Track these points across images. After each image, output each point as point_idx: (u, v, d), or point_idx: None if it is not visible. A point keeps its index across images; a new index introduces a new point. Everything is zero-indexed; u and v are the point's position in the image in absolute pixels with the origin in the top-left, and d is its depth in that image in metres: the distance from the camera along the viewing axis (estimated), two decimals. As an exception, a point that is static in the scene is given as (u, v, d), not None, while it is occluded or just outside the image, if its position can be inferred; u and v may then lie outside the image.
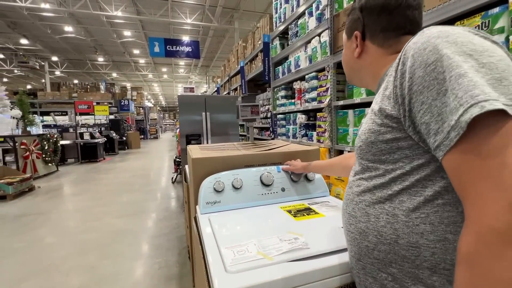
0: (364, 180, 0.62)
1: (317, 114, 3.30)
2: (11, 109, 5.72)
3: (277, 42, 4.66)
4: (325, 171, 1.01)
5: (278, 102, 4.60)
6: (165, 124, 32.19)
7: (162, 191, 4.84)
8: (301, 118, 3.77)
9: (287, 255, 0.68)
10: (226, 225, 0.85)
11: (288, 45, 4.29)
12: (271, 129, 5.18)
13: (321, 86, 3.22)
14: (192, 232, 1.08)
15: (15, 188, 4.52)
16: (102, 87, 16.79)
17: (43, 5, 9.43)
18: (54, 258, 2.46)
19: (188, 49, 11.19)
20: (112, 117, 13.01)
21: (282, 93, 4.46)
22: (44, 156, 6.26)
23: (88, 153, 8.48)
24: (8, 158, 5.66)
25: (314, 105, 3.32)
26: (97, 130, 9.66)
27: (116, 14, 10.09)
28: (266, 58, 5.09)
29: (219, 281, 0.61)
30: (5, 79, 20.07)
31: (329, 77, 3.00)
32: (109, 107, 13.01)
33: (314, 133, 3.43)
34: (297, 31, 3.81)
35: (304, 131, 3.72)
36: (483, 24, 1.35)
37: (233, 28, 11.50)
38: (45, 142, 6.26)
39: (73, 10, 9.66)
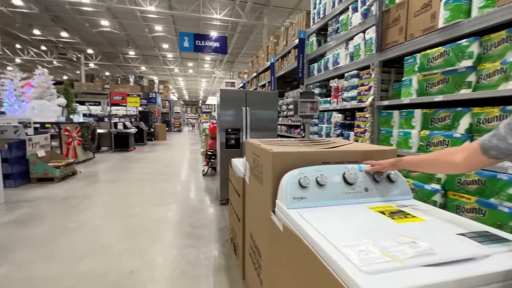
0: None
1: (356, 113, 3.22)
2: (57, 98, 6.13)
3: (313, 38, 4.58)
4: (420, 167, 0.98)
5: (310, 100, 4.53)
6: (187, 118, 32.99)
7: (194, 183, 5.00)
8: (337, 117, 3.70)
9: (417, 259, 0.65)
10: (325, 222, 0.85)
11: (325, 42, 4.21)
12: (302, 127, 5.15)
13: (362, 85, 3.14)
14: (270, 224, 1.10)
15: (62, 171, 4.88)
16: (131, 79, 17.47)
17: (84, 0, 9.96)
18: (105, 240, 2.65)
19: (216, 44, 11.36)
20: (140, 109, 13.54)
21: (317, 91, 4.40)
22: (83, 143, 6.67)
23: (121, 142, 8.92)
24: (53, 143, 6.09)
25: (353, 104, 3.25)
26: (129, 121, 10.11)
27: (149, 9, 10.43)
28: (301, 55, 5.03)
29: (363, 281, 0.58)
30: (44, 70, 21.57)
31: (373, 76, 2.92)
32: (140, 99, 13.54)
33: (352, 133, 3.36)
34: (337, 28, 3.72)
35: (340, 130, 3.65)
36: None
37: (261, 24, 11.47)
38: (85, 130, 6.66)
39: (111, 5, 10.10)
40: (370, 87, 2.94)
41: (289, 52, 5.88)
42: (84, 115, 11.14)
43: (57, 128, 5.92)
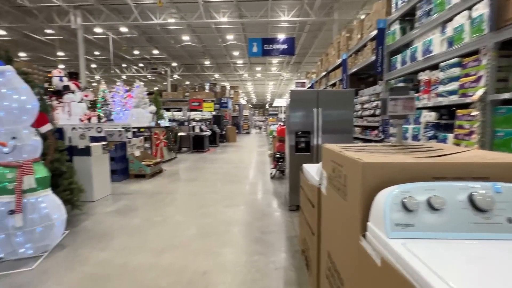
0: None
1: (457, 111, 2.61)
2: (149, 106, 7.19)
3: (396, 27, 3.99)
4: None
5: (393, 97, 3.94)
6: (255, 120, 34.25)
7: (262, 186, 5.03)
8: (429, 116, 3.11)
9: None
10: (451, 264, 0.61)
11: (412, 28, 3.61)
12: (380, 128, 4.55)
13: (467, 75, 2.53)
14: (360, 252, 0.91)
15: (151, 169, 5.65)
16: (206, 87, 19.21)
17: (169, 20, 11.49)
18: (183, 236, 2.87)
19: (283, 46, 11.36)
20: (214, 113, 14.72)
21: (400, 85, 3.80)
22: (168, 144, 7.62)
23: (197, 144, 9.85)
24: (145, 145, 7.15)
25: (452, 99, 2.65)
26: (204, 124, 11.09)
27: (222, 20, 11.24)
28: (380, 47, 4.47)
29: None
30: (140, 83, 26.08)
31: (484, 62, 2.31)
32: (213, 104, 14.74)
33: (450, 135, 2.74)
34: (429, 9, 3.13)
35: (433, 132, 3.05)
36: None
37: (331, 20, 10.88)
38: (169, 133, 7.61)
39: (191, 21, 11.34)
40: (479, 77, 2.34)
41: (364, 45, 5.32)
42: (169, 120, 12.81)
43: (149, 131, 6.93)
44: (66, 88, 6.81)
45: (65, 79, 6.80)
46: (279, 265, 2.25)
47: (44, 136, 2.64)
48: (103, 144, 4.27)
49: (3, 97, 2.21)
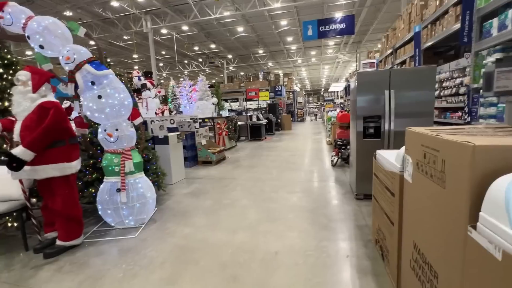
0: None
1: None
2: (211, 98, 7.68)
3: (491, -15, 3.29)
4: None
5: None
6: (309, 107, 33.14)
7: (323, 173, 4.93)
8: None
9: None
10: None
11: (516, -16, 2.93)
12: (466, 109, 3.91)
13: None
14: (468, 244, 0.83)
15: (217, 156, 6.11)
16: (260, 76, 19.38)
17: (225, 13, 11.86)
18: (251, 218, 3.06)
19: (341, 26, 10.56)
20: (269, 101, 14.82)
21: (495, 57, 3.17)
22: (229, 133, 8.07)
23: (255, 133, 10.15)
24: (210, 134, 7.71)
25: None
26: (260, 113, 11.30)
27: (276, 6, 11.04)
28: (467, 12, 3.79)
29: None
30: (203, 76, 27.96)
31: None
32: (268, 92, 14.84)
33: None
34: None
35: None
36: None
37: (399, -12, 9.56)
38: (230, 123, 8.02)
39: (245, 12, 11.48)
40: None
41: (445, 12, 4.58)
42: (229, 110, 13.47)
43: (212, 122, 7.44)
44: (144, 86, 7.79)
45: (142, 78, 7.78)
46: (351, 254, 2.21)
47: (136, 128, 3.11)
48: (178, 134, 4.79)
49: (109, 96, 2.67)
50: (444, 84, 4.75)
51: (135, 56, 18.49)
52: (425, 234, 1.25)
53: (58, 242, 2.51)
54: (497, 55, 3.11)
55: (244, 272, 2.05)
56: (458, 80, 4.28)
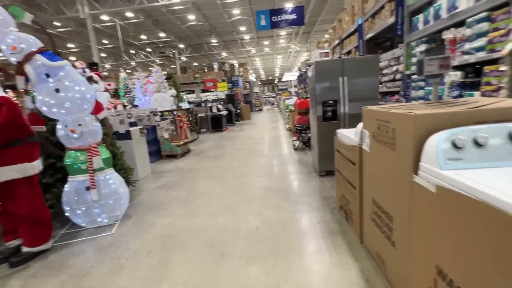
0: None
1: (484, 68, 2.69)
2: (169, 90, 7.42)
3: (417, -15, 3.90)
4: None
5: (414, 59, 3.98)
6: (265, 97, 33.89)
7: (288, 157, 5.31)
8: (454, 76, 3.16)
9: None
10: (497, 180, 0.82)
11: (435, -15, 3.53)
12: (401, 93, 4.61)
13: (495, 30, 2.58)
14: (412, 187, 1.14)
15: (181, 149, 6.04)
16: (215, 66, 19.06)
17: (174, 0, 11.28)
18: (229, 202, 3.23)
19: (292, 16, 10.98)
20: (227, 92, 14.80)
21: (422, 47, 3.81)
22: (190, 126, 7.95)
23: (216, 124, 10.15)
24: (171, 127, 7.49)
25: (479, 56, 2.71)
26: (220, 104, 11.29)
27: (228, -6, 10.93)
28: (400, 7, 4.40)
29: None
30: (150, 68, 26.16)
31: (515, 15, 2.33)
32: (226, 83, 14.78)
33: (477, 93, 2.83)
34: (455, -36, 3.06)
35: (458, 91, 3.14)
36: None
37: (342, -18, 10.32)
38: (190, 115, 7.90)
39: (196, -1, 11.09)
40: (510, 31, 2.39)
41: (382, 7, 5.20)
42: (188, 102, 13.05)
43: (172, 114, 7.23)
44: (90, 79, 7.09)
45: (87, 70, 7.07)
46: (321, 220, 2.57)
47: (101, 122, 2.96)
48: (140, 128, 4.61)
49: (67, 89, 2.50)
50: (383, 71, 5.46)
51: (70, 45, 16.43)
52: (381, 189, 1.60)
53: (25, 249, 2.34)
54: (423, 46, 3.75)
55: (231, 248, 2.24)
56: (394, 68, 4.97)
